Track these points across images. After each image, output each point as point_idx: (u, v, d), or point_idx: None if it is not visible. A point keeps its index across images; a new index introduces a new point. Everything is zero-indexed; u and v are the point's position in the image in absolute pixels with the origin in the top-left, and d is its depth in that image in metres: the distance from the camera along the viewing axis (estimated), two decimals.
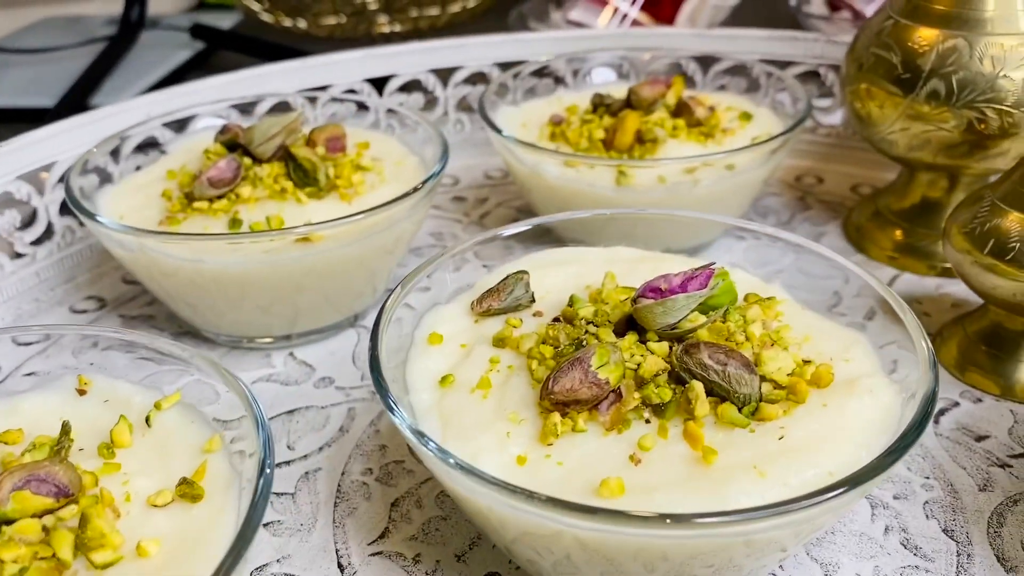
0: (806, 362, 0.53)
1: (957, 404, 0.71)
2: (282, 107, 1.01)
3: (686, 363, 0.51)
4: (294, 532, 0.61)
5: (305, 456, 0.68)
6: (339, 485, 0.65)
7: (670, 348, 0.53)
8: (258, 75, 1.02)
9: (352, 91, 1.07)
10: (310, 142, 0.84)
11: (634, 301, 0.54)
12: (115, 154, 0.87)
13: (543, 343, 0.55)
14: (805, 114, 0.87)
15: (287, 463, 0.68)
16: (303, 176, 0.79)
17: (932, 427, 0.69)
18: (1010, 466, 0.65)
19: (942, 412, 0.70)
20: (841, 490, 0.42)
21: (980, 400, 0.71)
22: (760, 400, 0.50)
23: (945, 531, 0.60)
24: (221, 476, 0.50)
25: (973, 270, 0.70)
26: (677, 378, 0.52)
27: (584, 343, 0.54)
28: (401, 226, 0.79)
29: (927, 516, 0.61)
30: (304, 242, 0.73)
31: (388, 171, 0.84)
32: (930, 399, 0.48)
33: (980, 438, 0.67)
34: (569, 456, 0.49)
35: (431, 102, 1.11)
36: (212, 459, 0.51)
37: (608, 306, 0.58)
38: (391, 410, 0.49)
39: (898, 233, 0.91)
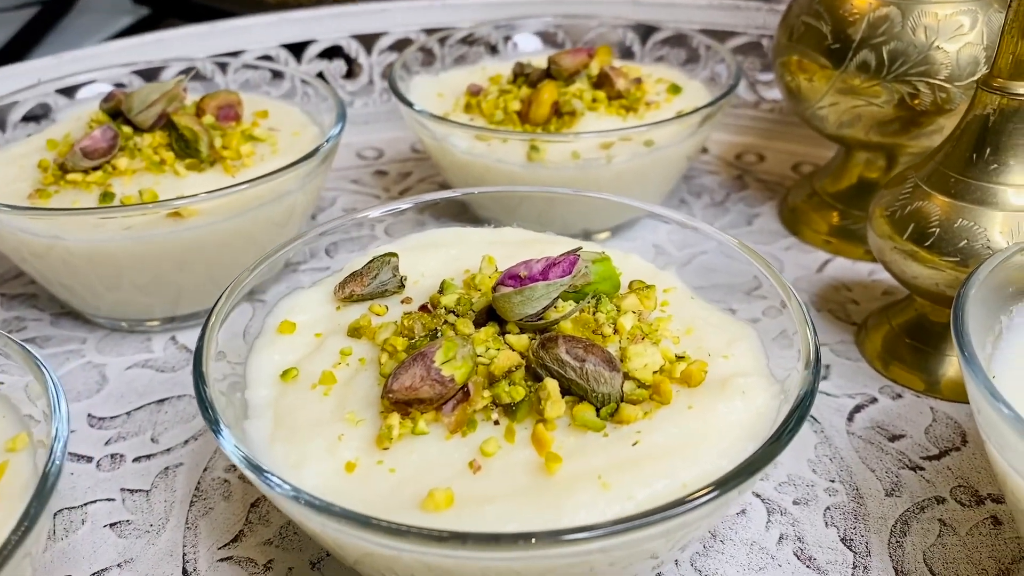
0: (679, 358, 0.48)
1: (875, 400, 0.66)
2: (190, 73, 0.95)
3: (542, 358, 0.45)
4: (142, 533, 0.57)
5: (168, 450, 0.63)
6: (199, 483, 0.60)
7: (531, 341, 0.47)
8: (165, 39, 0.96)
9: (268, 57, 1.01)
10: (199, 110, 0.78)
11: (494, 289, 0.49)
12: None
13: (398, 334, 0.50)
14: (730, 88, 0.81)
15: (147, 457, 0.63)
16: (184, 147, 0.73)
17: (845, 426, 0.64)
18: (922, 469, 0.60)
19: (858, 409, 0.65)
20: (679, 510, 0.37)
21: (900, 396, 0.66)
22: (621, 400, 0.45)
23: (843, 540, 0.55)
24: (20, 478, 0.45)
25: (894, 257, 0.65)
26: (536, 375, 0.46)
27: (440, 334, 0.49)
28: (293, 198, 0.74)
29: (827, 524, 0.56)
30: (176, 217, 0.67)
31: (284, 142, 0.79)
32: (801, 404, 0.43)
33: (894, 437, 0.63)
34: (405, 462, 0.44)
35: (354, 70, 1.05)
36: (15, 459, 0.46)
37: (479, 293, 0.53)
38: (208, 422, 0.44)
39: (834, 216, 0.86)
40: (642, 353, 0.47)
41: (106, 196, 0.69)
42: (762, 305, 0.75)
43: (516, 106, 0.82)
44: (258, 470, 0.41)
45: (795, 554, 0.54)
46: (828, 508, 0.58)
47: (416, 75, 0.92)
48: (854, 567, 0.54)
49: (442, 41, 0.99)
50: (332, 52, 1.03)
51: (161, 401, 0.68)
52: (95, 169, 0.72)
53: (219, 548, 0.55)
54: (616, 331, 0.48)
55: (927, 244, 0.62)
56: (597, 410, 0.45)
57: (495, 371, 0.45)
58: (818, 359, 0.47)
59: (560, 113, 0.81)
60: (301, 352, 0.52)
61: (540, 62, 0.90)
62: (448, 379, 0.44)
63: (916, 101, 0.72)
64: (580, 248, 0.51)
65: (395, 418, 0.45)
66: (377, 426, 0.45)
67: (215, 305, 0.51)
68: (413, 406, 0.45)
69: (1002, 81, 0.60)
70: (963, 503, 0.57)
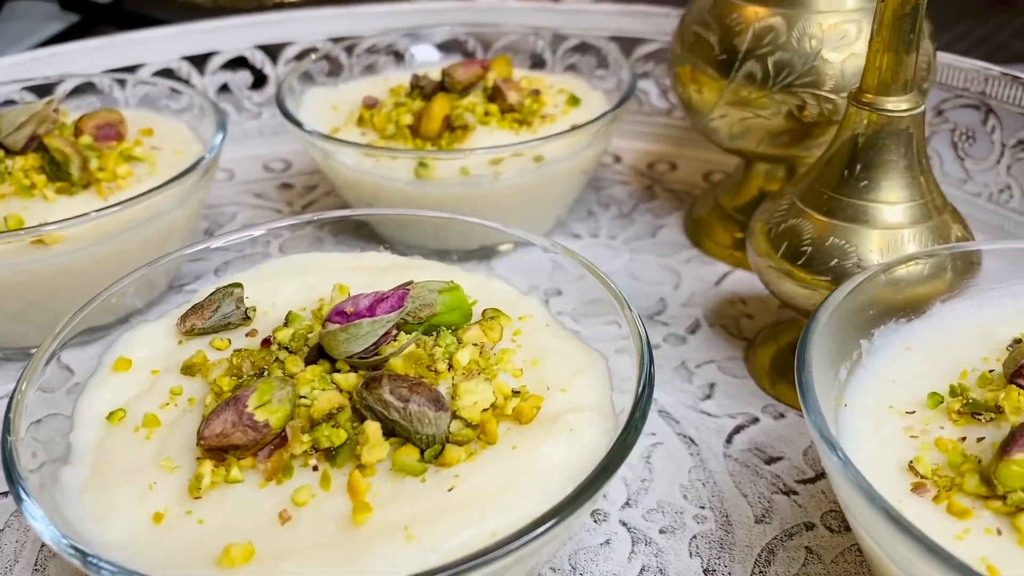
0: (515, 393, 0.47)
1: (756, 420, 0.65)
2: (86, 88, 0.93)
3: (365, 399, 0.44)
4: None
5: None
6: None
7: (357, 381, 0.46)
8: (60, 54, 0.93)
9: (169, 70, 0.98)
10: (77, 130, 0.76)
11: (323, 326, 0.47)
12: None
13: (229, 373, 0.48)
14: (620, 102, 0.80)
15: (3, 495, 0.61)
16: (56, 169, 0.71)
17: (723, 448, 0.63)
18: (796, 493, 0.59)
19: (738, 430, 0.64)
20: (467, 565, 0.35)
21: (783, 416, 0.65)
22: (447, 441, 0.44)
23: (706, 571, 0.54)
24: None
25: (771, 275, 0.63)
26: (363, 416, 0.45)
27: (267, 373, 0.47)
28: (170, 216, 0.72)
29: (691, 554, 0.55)
30: (40, 244, 0.65)
31: (165, 161, 0.77)
32: (623, 439, 0.42)
33: (772, 460, 0.61)
34: (215, 512, 0.42)
35: (260, 80, 1.02)
36: None
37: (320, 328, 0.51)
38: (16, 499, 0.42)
39: (736, 229, 0.84)
40: (473, 390, 0.45)
41: None
42: (683, 325, 0.74)
43: (408, 120, 0.80)
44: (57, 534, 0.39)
45: None
46: (695, 537, 0.56)
47: (312, 87, 0.90)
48: None
49: (349, 51, 0.97)
50: (237, 63, 1.01)
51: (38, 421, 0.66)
52: None
53: None
54: (451, 367, 0.47)
55: (800, 263, 0.61)
56: (422, 452, 0.43)
57: (315, 414, 0.44)
58: (648, 381, 0.45)
59: (452, 127, 0.79)
60: (133, 391, 0.50)
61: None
62: (262, 424, 0.43)
63: (804, 113, 0.71)
64: (411, 282, 0.49)
65: (207, 465, 0.43)
66: (192, 474, 0.44)
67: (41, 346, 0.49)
68: (229, 452, 0.43)
69: (871, 97, 0.59)
70: (832, 529, 0.56)
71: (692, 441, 0.63)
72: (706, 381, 0.69)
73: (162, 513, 0.42)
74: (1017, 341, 0.53)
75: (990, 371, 0.51)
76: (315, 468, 0.43)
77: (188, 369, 0.50)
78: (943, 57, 0.82)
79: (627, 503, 0.59)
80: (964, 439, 0.47)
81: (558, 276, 0.82)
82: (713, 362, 0.71)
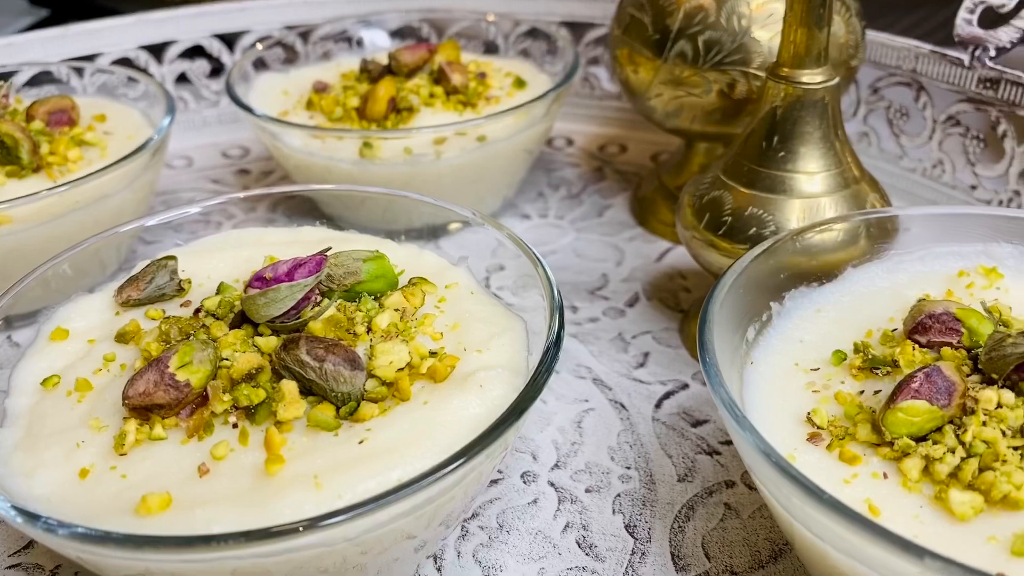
0: (432, 354, 0.49)
1: (686, 387, 0.67)
2: (44, 77, 0.94)
3: (283, 360, 0.46)
4: None
5: None
6: None
7: (277, 343, 0.48)
8: (16, 43, 0.95)
9: (127, 60, 1.00)
10: (29, 116, 0.78)
11: (245, 292, 0.49)
12: None
13: (159, 339, 0.50)
14: (559, 83, 0.82)
15: None
16: (7, 154, 0.72)
17: (652, 412, 0.65)
18: (718, 453, 0.61)
19: (668, 396, 0.66)
20: (352, 513, 0.38)
21: None
22: (362, 399, 0.46)
23: (628, 527, 0.56)
24: None
25: (695, 245, 0.66)
26: (282, 376, 0.47)
27: (193, 338, 0.49)
28: (119, 198, 0.74)
29: (614, 511, 0.57)
30: None
31: (116, 145, 0.79)
32: (527, 391, 0.44)
33: (698, 423, 0.64)
34: (138, 468, 0.44)
35: (218, 69, 1.04)
36: None
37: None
38: None
39: None
40: (389, 351, 0.47)
41: None
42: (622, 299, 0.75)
43: (355, 103, 0.82)
44: None
45: (577, 542, 0.55)
46: (619, 495, 0.58)
47: (265, 73, 0.92)
48: (632, 553, 0.54)
49: (304, 37, 0.99)
50: (195, 52, 1.03)
51: None
52: None
53: (9, 556, 0.55)
54: (370, 330, 0.49)
55: (721, 233, 0.63)
56: (338, 409, 0.46)
57: (235, 374, 0.46)
58: (553, 350, 0.47)
59: (398, 109, 0.81)
60: (69, 359, 0.52)
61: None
62: (183, 384, 0.45)
63: (734, 91, 0.73)
64: (329, 248, 0.51)
65: (132, 424, 0.45)
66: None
67: None
68: (153, 411, 0.45)
69: (787, 71, 0.61)
70: (751, 487, 0.58)
71: (623, 407, 0.66)
72: (641, 351, 0.71)
73: (88, 469, 0.44)
74: (930, 300, 0.55)
75: (893, 330, 0.53)
76: (235, 425, 0.45)
77: (121, 337, 0.52)
78: (876, 36, 0.84)
79: (556, 465, 0.61)
80: (862, 392, 0.49)
81: (501, 252, 0.85)
82: (649, 333, 0.73)
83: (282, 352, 0.46)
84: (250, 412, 0.45)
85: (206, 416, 0.45)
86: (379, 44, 1.00)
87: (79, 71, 0.93)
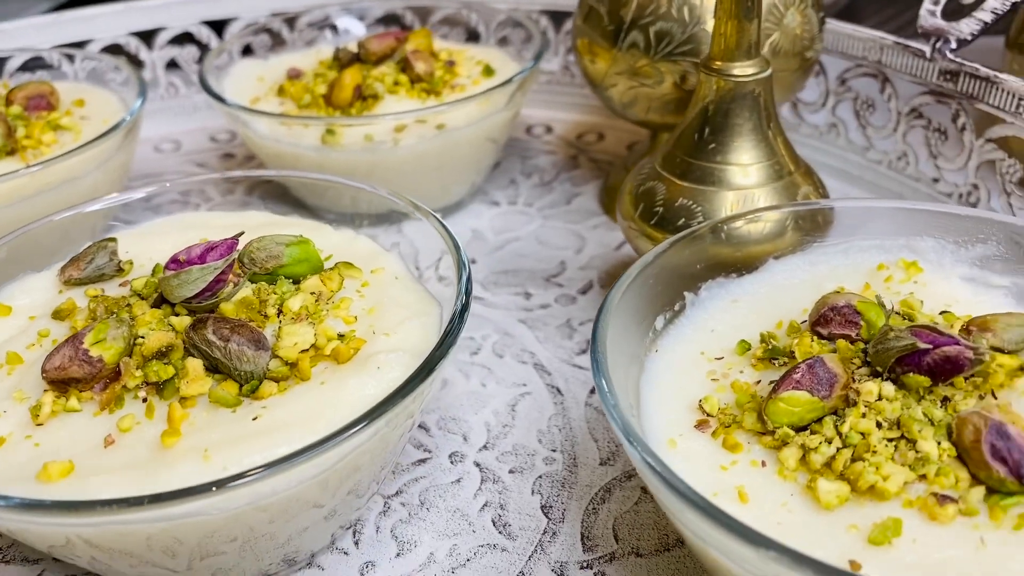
0: (340, 336, 0.51)
1: None
2: (36, 63, 0.98)
3: (192, 338, 0.48)
4: None
5: None
6: None
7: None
8: (8, 30, 0.98)
9: (117, 46, 1.03)
10: (8, 101, 0.81)
11: (163, 273, 0.51)
12: None
13: (90, 317, 0.53)
14: (521, 71, 0.83)
15: None
16: None
17: (586, 398, 0.66)
18: None
19: None
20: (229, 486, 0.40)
21: None
22: (264, 378, 0.48)
23: (543, 507, 0.58)
24: None
25: (631, 234, 0.67)
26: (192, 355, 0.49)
27: (114, 316, 0.52)
28: (91, 179, 0.77)
29: (533, 492, 0.59)
30: None
31: (92, 130, 0.81)
32: (418, 373, 0.46)
33: None
34: (52, 438, 0.47)
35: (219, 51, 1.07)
36: None
37: None
38: None
39: None
40: (294, 333, 0.49)
41: None
42: (576, 286, 0.77)
43: (322, 90, 0.84)
44: None
45: (492, 520, 0.57)
46: (540, 476, 0.60)
47: (243, 60, 0.94)
48: (544, 532, 0.56)
49: (290, 24, 1.01)
50: (184, 38, 1.06)
51: None
52: None
53: None
54: (281, 312, 0.51)
55: (653, 223, 0.64)
56: (241, 387, 0.48)
57: (146, 351, 0.48)
58: (451, 337, 0.49)
59: (364, 97, 0.83)
60: (8, 334, 0.55)
61: None
62: (96, 359, 0.47)
63: (685, 82, 0.74)
64: (242, 233, 0.53)
65: (49, 396, 0.48)
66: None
67: None
68: (71, 385, 0.48)
69: (719, 63, 0.62)
70: None
71: (559, 391, 0.67)
72: (586, 338, 0.72)
73: (5, 437, 0.47)
74: (836, 293, 0.55)
75: (802, 322, 0.54)
76: (144, 400, 0.48)
77: (57, 314, 0.55)
78: (842, 27, 0.84)
79: (485, 446, 0.63)
80: (759, 382, 0.50)
81: (476, 246, 0.86)
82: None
83: (191, 331, 0.48)
84: (159, 388, 0.48)
85: (118, 390, 0.48)
86: (364, 32, 1.01)
87: (70, 57, 0.97)
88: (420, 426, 0.65)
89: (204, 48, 1.07)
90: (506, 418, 0.65)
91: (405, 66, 0.85)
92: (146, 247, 0.61)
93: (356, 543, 0.56)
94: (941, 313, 0.53)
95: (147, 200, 0.75)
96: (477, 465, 0.61)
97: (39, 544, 0.46)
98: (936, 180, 0.81)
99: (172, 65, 1.07)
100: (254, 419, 0.46)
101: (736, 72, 0.61)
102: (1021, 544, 0.40)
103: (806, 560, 0.36)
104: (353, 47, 0.89)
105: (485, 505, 0.58)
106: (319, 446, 0.42)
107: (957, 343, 0.44)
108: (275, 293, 0.52)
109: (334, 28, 1.04)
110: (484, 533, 0.56)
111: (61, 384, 0.48)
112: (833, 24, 0.84)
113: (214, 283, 0.50)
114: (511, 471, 0.61)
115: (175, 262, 0.50)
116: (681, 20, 0.72)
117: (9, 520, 0.42)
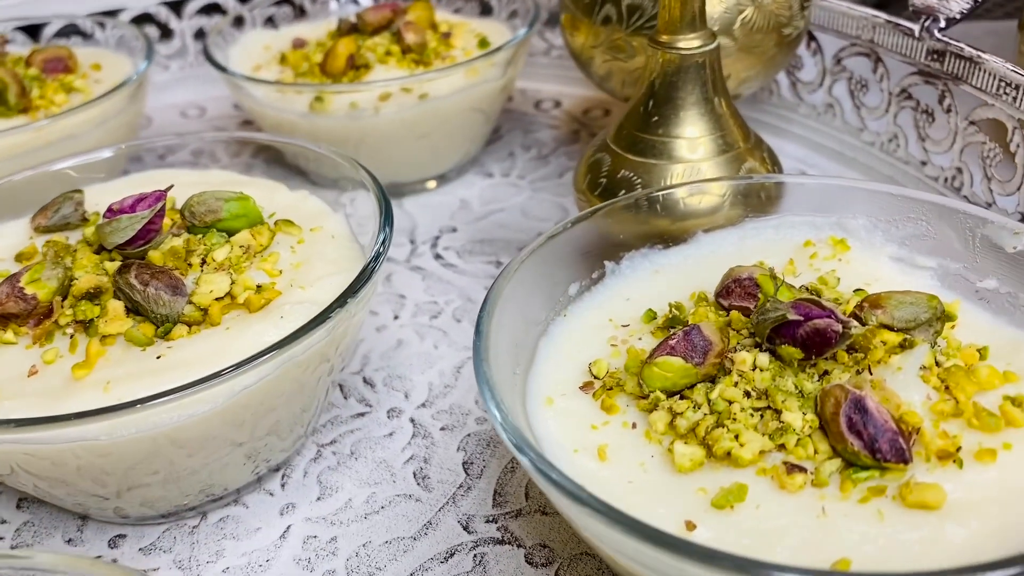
0: (259, 287, 0.54)
1: None
2: (71, 29, 1.04)
3: (117, 282, 0.52)
4: None
5: None
6: None
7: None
8: None
9: (148, 15, 1.09)
10: (28, 63, 0.87)
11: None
12: None
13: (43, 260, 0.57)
14: (502, 44, 0.84)
15: None
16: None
17: None
18: None
19: None
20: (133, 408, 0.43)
21: None
22: (178, 321, 0.51)
23: (465, 464, 0.60)
24: None
25: (580, 205, 0.68)
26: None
27: (62, 260, 0.56)
28: (92, 137, 0.82)
29: (458, 448, 0.61)
30: None
31: (100, 91, 0.87)
32: (308, 323, 0.48)
33: None
34: None
35: (236, 21, 1.11)
36: None
37: None
38: None
39: None
40: (211, 281, 0.52)
41: None
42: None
43: (318, 59, 0.87)
44: None
45: (414, 473, 0.60)
46: (469, 435, 0.62)
47: (253, 31, 0.98)
48: (459, 487, 0.58)
49: None
50: (212, 9, 1.10)
51: None
52: None
53: None
54: (205, 262, 0.54)
55: (596, 193, 0.65)
56: (157, 328, 0.51)
57: (76, 292, 0.52)
58: (357, 286, 0.51)
59: (356, 66, 0.86)
60: None
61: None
62: (31, 296, 0.51)
63: None
64: (171, 186, 0.56)
65: None
66: None
67: None
68: (11, 320, 0.52)
69: (667, 37, 0.62)
70: None
71: None
72: None
73: None
74: (743, 267, 0.55)
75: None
76: (72, 336, 0.52)
77: (19, 257, 0.59)
78: (837, 4, 0.83)
79: (423, 404, 0.65)
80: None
81: (460, 215, 0.89)
82: None
83: (117, 275, 0.52)
84: (86, 326, 0.52)
85: (49, 326, 0.52)
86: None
87: (102, 25, 1.03)
88: (366, 381, 0.67)
89: (226, 14, 1.11)
90: (450, 379, 0.67)
91: (398, 37, 0.87)
92: (113, 200, 0.65)
93: (283, 485, 0.59)
94: (855, 291, 0.52)
95: (161, 156, 0.80)
96: (412, 421, 0.64)
97: None
98: (924, 163, 0.79)
99: (200, 34, 1.12)
100: (158, 357, 0.49)
101: (681, 45, 0.62)
102: (862, 517, 0.40)
103: (619, 516, 0.37)
104: (354, 18, 0.92)
105: (411, 459, 0.61)
106: (180, 391, 0.45)
107: (828, 316, 0.44)
108: (203, 244, 0.55)
109: (355, 1, 1.07)
110: (403, 484, 0.59)
111: (2, 319, 0.52)
112: (828, 2, 0.83)
113: (144, 231, 0.54)
114: (442, 428, 0.63)
115: (110, 212, 0.54)
116: None
117: None
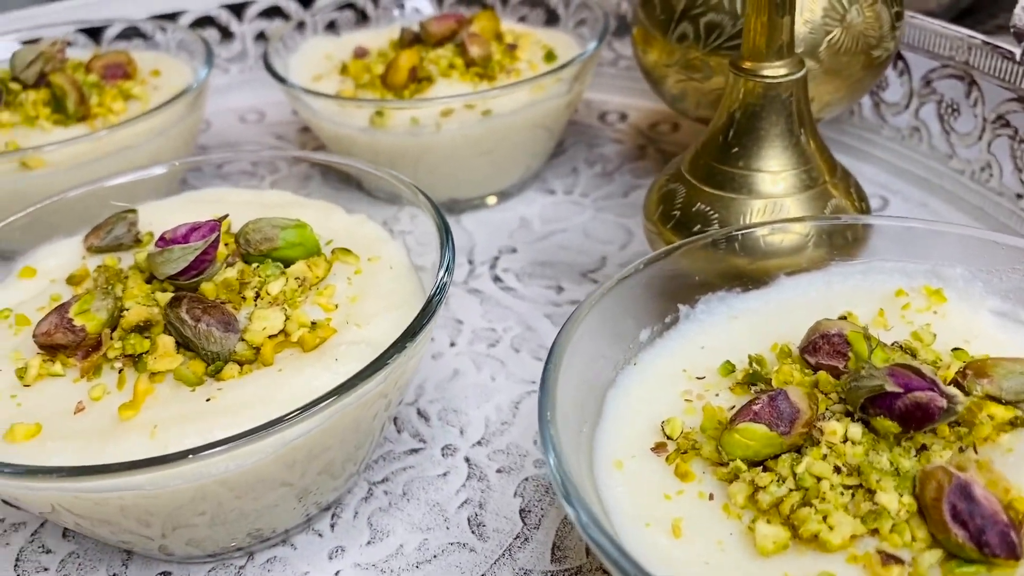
0: (314, 324, 0.51)
1: None
2: (132, 32, 1.03)
3: (168, 315, 0.50)
4: None
5: None
6: None
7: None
8: (107, 0, 1.04)
9: (209, 18, 1.07)
10: (88, 69, 0.86)
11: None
12: None
13: (93, 286, 0.55)
14: (571, 60, 0.80)
15: None
16: (57, 104, 0.81)
17: None
18: None
19: None
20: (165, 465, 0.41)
21: None
22: (229, 359, 0.49)
23: (522, 511, 0.57)
24: None
25: (650, 236, 0.64)
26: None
27: (112, 289, 0.54)
28: (154, 145, 0.80)
29: (515, 494, 0.58)
30: (25, 167, 0.75)
31: (160, 99, 0.85)
32: (370, 367, 0.46)
33: None
34: (34, 399, 0.49)
35: (298, 26, 1.09)
36: None
37: None
38: None
39: None
40: (264, 318, 0.50)
41: None
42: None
43: (380, 70, 0.85)
44: None
45: (468, 519, 0.57)
46: (527, 479, 0.59)
47: (314, 37, 0.96)
48: (516, 537, 0.55)
49: (375, 1, 1.02)
50: (273, 12, 1.09)
51: None
52: None
53: None
54: (259, 296, 0.52)
55: (669, 226, 0.61)
56: (208, 366, 0.49)
57: (126, 324, 0.50)
58: (415, 329, 0.48)
59: (418, 79, 0.83)
60: (26, 296, 0.58)
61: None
62: (79, 328, 0.50)
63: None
64: (227, 216, 0.54)
65: (37, 359, 0.50)
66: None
67: None
68: (59, 351, 0.51)
69: (749, 64, 0.58)
70: None
71: None
72: None
73: None
74: (842, 318, 0.51)
75: (798, 347, 0.50)
76: (120, 371, 0.50)
77: (71, 279, 0.58)
78: (929, 24, 0.77)
79: (479, 442, 0.62)
80: (733, 408, 0.47)
81: (520, 234, 0.86)
82: None
83: (168, 308, 0.50)
84: (135, 360, 0.50)
85: (97, 359, 0.50)
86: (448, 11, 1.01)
87: (163, 29, 1.01)
88: (420, 414, 0.65)
89: (289, 19, 1.09)
90: (507, 415, 0.64)
91: (462, 49, 0.84)
92: (166, 220, 0.63)
93: (332, 526, 0.57)
94: (954, 350, 0.48)
95: (219, 167, 0.78)
96: (467, 460, 0.61)
97: (33, 509, 0.49)
98: (1020, 196, 0.74)
99: (261, 37, 1.10)
100: (207, 400, 0.47)
101: (766, 73, 0.57)
102: None
103: None
104: (416, 28, 0.89)
105: (465, 502, 0.58)
106: (230, 442, 0.42)
107: (931, 389, 0.40)
108: (258, 276, 0.53)
109: (417, 8, 1.04)
110: (457, 531, 0.56)
111: (51, 349, 0.51)
112: (919, 20, 0.78)
113: (198, 262, 0.52)
114: (499, 470, 0.60)
115: (162, 240, 0.52)
116: (732, 12, 0.68)
117: None
